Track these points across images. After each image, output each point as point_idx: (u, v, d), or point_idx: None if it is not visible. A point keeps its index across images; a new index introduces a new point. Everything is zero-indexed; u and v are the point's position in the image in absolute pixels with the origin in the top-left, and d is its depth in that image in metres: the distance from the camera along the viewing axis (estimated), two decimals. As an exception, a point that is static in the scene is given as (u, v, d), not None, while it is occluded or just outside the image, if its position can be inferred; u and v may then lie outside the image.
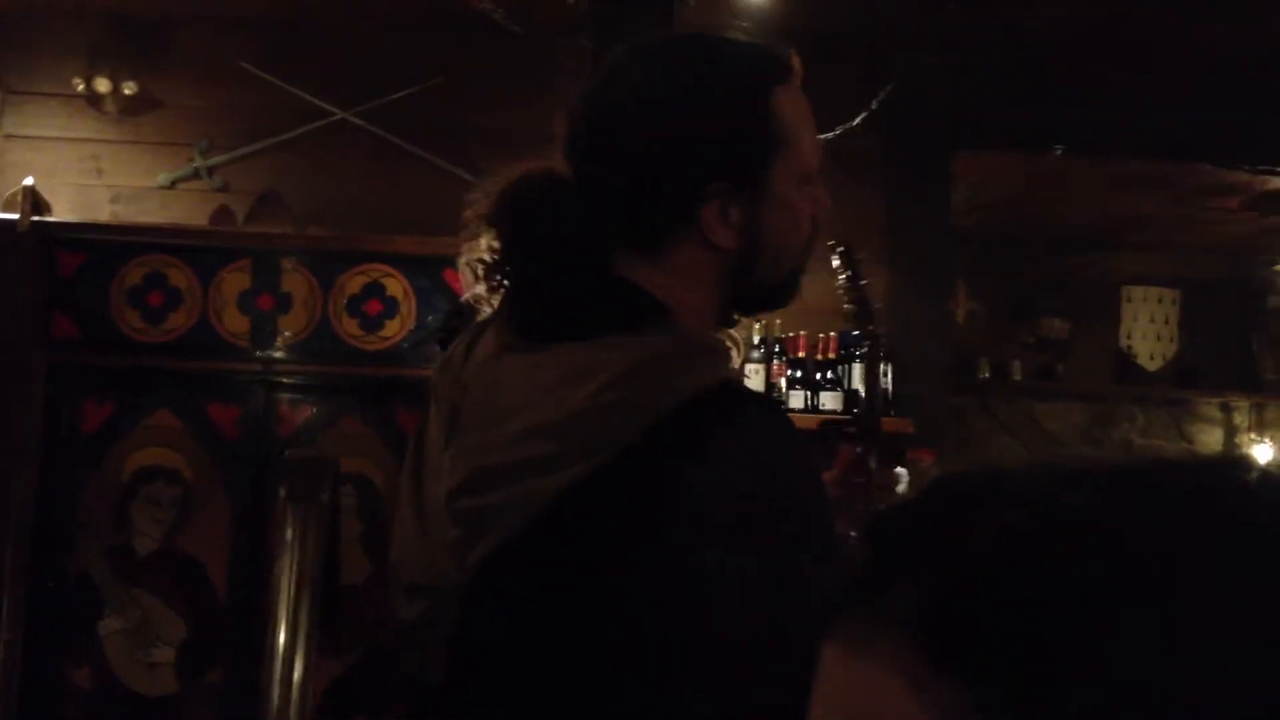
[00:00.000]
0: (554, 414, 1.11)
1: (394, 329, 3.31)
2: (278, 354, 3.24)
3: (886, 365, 4.01)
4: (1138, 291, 4.50)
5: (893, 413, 3.98)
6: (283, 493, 1.51)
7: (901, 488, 3.42)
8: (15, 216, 3.18)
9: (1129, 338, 4.51)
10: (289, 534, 1.48)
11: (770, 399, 1.20)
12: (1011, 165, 4.55)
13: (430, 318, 3.28)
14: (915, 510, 0.50)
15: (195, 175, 3.90)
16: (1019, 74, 4.16)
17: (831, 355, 4.03)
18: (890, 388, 4.00)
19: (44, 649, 2.96)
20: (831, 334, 4.05)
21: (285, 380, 3.25)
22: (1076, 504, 0.47)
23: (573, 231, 1.20)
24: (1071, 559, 0.45)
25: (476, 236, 1.26)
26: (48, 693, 2.95)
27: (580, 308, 1.19)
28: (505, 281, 1.23)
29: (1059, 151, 4.30)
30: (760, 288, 1.25)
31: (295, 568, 1.45)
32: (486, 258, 1.23)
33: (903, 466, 3.77)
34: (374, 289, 3.35)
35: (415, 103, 3.94)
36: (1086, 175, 4.49)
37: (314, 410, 3.20)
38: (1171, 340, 4.48)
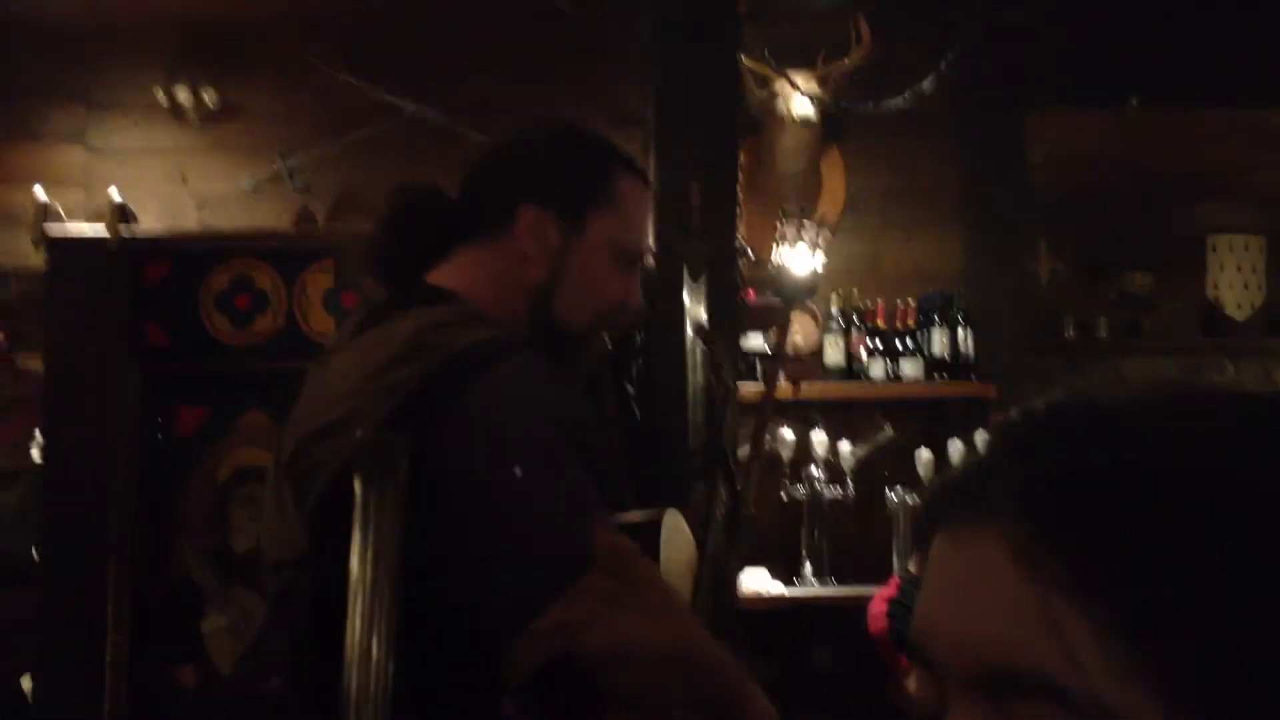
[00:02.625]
0: (353, 381, 1.29)
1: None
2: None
3: (967, 329, 3.97)
4: (1223, 240, 4.39)
5: (974, 376, 3.94)
6: (355, 476, 1.55)
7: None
8: (104, 232, 3.29)
9: (1215, 288, 4.40)
10: (361, 516, 1.53)
11: (530, 348, 1.31)
12: (1087, 119, 4.46)
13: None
14: (1026, 419, 0.53)
15: (277, 178, 4.00)
16: (1090, 27, 4.07)
17: (910, 323, 4.00)
18: (971, 352, 3.97)
19: (149, 648, 3.07)
20: (909, 301, 4.03)
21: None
22: (1187, 417, 0.50)
23: (420, 238, 1.43)
24: (1179, 458, 0.47)
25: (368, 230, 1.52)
26: (154, 691, 3.06)
27: (391, 301, 1.40)
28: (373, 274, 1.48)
29: (1135, 103, 4.21)
30: (557, 325, 1.42)
31: (371, 549, 1.49)
32: (367, 251, 1.48)
33: (987, 430, 3.75)
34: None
35: (488, 94, 3.99)
36: (1165, 126, 4.39)
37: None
38: (1259, 288, 4.36)
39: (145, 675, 3.03)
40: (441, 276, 1.40)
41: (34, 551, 3.10)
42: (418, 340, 1.28)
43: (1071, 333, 4.31)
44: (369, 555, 1.19)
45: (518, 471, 1.20)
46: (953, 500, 0.52)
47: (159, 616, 3.06)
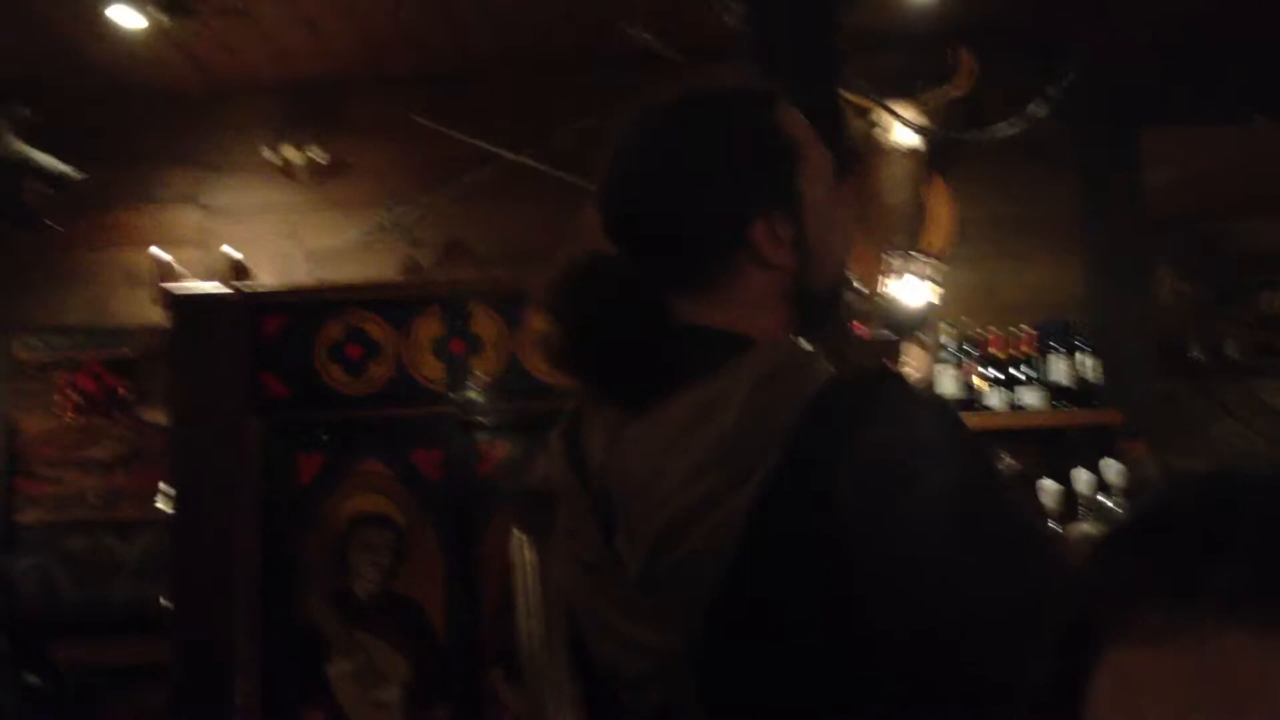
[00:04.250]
0: (704, 449, 1.12)
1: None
2: (473, 395, 3.33)
3: (1088, 356, 3.86)
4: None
5: (1096, 404, 3.82)
6: (516, 526, 1.50)
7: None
8: (220, 285, 3.36)
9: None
10: (526, 567, 1.47)
11: (895, 372, 1.20)
12: (1208, 138, 4.32)
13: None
14: (1194, 498, 0.47)
15: (383, 230, 4.06)
16: (1206, 42, 3.96)
17: (1028, 350, 3.89)
18: (1093, 378, 3.85)
19: (279, 694, 3.10)
20: (1025, 328, 3.93)
21: (482, 420, 3.33)
22: None
23: (628, 299, 1.24)
24: None
25: (541, 326, 1.29)
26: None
27: (667, 363, 1.22)
28: (578, 367, 1.27)
29: (1258, 120, 4.07)
30: (817, 296, 1.29)
31: (536, 602, 1.45)
32: (556, 345, 1.27)
33: (1113, 458, 3.62)
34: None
35: (582, 139, 4.01)
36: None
37: (512, 447, 3.27)
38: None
39: (274, 719, 3.06)
40: (695, 319, 1.24)
41: (162, 600, 3.14)
42: (764, 390, 1.13)
43: (1199, 355, 4.16)
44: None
45: (958, 509, 1.05)
46: (1144, 598, 0.45)
47: (286, 661, 3.09)
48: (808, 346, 1.23)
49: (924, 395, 1.18)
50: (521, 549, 1.47)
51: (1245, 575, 0.43)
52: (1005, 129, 3.87)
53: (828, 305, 1.33)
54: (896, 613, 1.03)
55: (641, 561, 1.16)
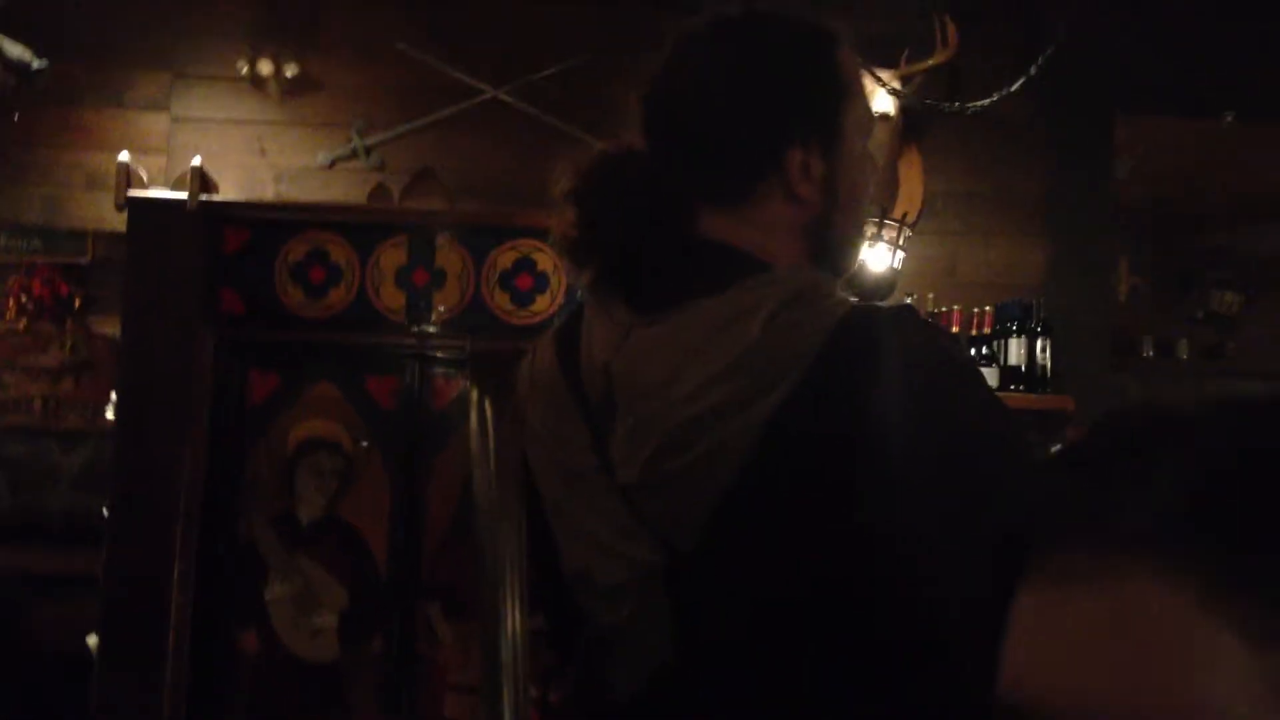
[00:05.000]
0: (725, 357, 1.12)
1: (544, 303, 3.34)
2: (432, 328, 3.31)
3: (1045, 340, 3.89)
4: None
5: (1050, 389, 3.86)
6: (472, 389, 1.46)
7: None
8: (184, 195, 3.30)
9: (1305, 311, 4.29)
10: (487, 430, 1.43)
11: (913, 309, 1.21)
12: (1179, 132, 4.36)
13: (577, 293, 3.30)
14: (1113, 434, 0.47)
15: (353, 154, 4.00)
16: (1186, 36, 3.97)
17: (987, 330, 3.92)
18: (1049, 363, 3.89)
19: (213, 614, 3.09)
20: (987, 308, 3.95)
21: (440, 354, 3.31)
22: None
23: (655, 200, 1.24)
24: None
25: (562, 214, 1.27)
26: (216, 656, 3.07)
27: (686, 272, 1.22)
28: (591, 258, 1.26)
29: (1230, 118, 4.10)
30: (835, 244, 1.29)
31: (494, 474, 1.41)
32: (572, 233, 1.26)
33: (1060, 444, 3.67)
34: (525, 264, 3.38)
35: (565, 78, 3.97)
36: (1259, 142, 4.28)
37: (467, 383, 3.26)
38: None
39: (208, 639, 3.05)
40: (716, 235, 1.24)
41: (104, 511, 3.11)
42: (794, 306, 1.13)
43: (1150, 352, 4.21)
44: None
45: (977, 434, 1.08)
46: (1060, 533, 0.44)
47: (223, 581, 3.08)
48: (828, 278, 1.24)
49: (941, 328, 1.21)
50: (482, 409, 1.45)
51: (1152, 516, 0.41)
52: (981, 105, 3.87)
53: (843, 256, 1.32)
54: (908, 526, 1.03)
55: (642, 464, 1.14)
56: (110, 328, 3.76)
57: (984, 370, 3.85)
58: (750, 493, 1.09)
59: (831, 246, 1.29)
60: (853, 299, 1.18)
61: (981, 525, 0.94)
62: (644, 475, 1.15)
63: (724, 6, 1.31)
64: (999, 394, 3.74)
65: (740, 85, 1.25)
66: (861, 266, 3.68)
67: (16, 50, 3.53)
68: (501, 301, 3.35)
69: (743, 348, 1.11)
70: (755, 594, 1.11)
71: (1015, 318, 3.90)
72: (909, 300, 3.87)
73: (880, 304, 1.22)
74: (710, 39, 1.29)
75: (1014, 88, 3.82)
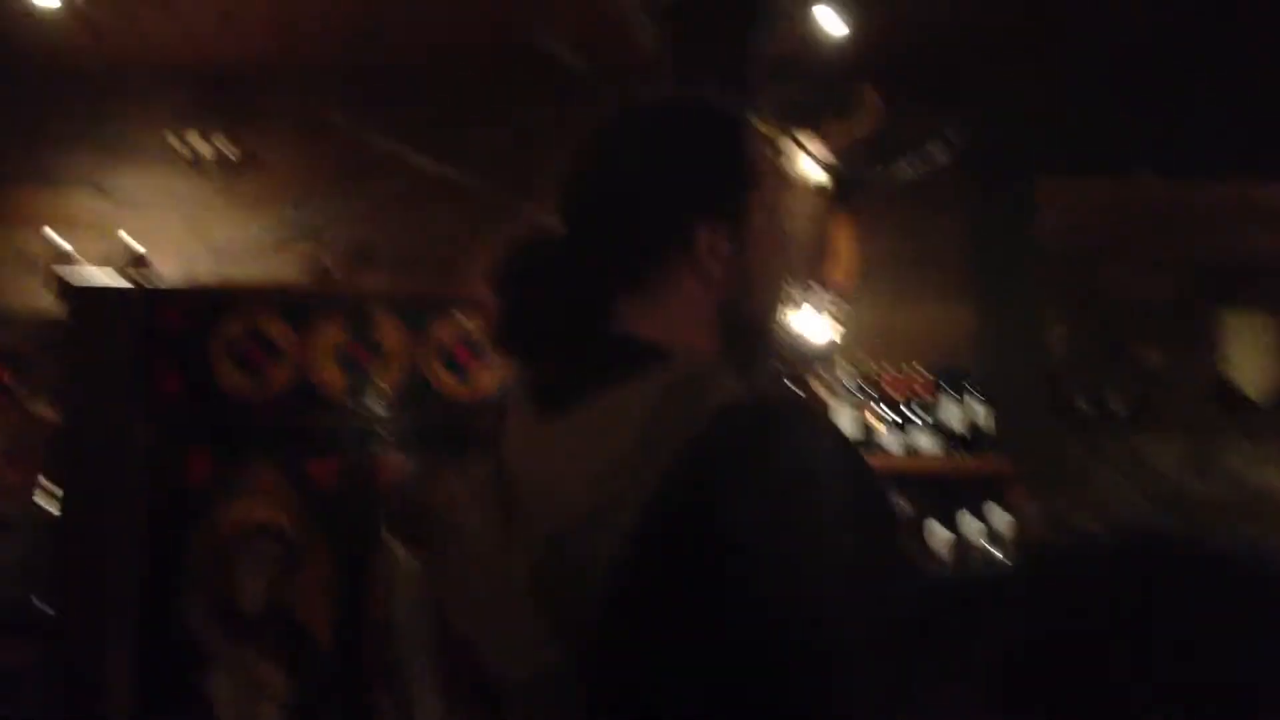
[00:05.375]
0: (605, 457, 1.12)
1: (486, 377, 3.34)
2: (374, 406, 3.28)
3: (982, 402, 3.95)
4: (1237, 317, 4.39)
5: (986, 450, 3.92)
6: (391, 538, 1.48)
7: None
8: (118, 278, 3.26)
9: (1229, 364, 4.40)
10: (399, 575, 1.46)
11: (804, 401, 1.23)
12: (1096, 189, 4.47)
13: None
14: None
15: (290, 230, 3.99)
16: (1102, 95, 4.09)
17: (922, 393, 3.98)
18: (985, 425, 3.94)
19: (153, 706, 3.01)
20: (920, 370, 4.01)
21: (381, 431, 3.29)
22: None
23: (569, 288, 1.27)
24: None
25: (489, 303, 1.31)
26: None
27: (588, 366, 1.23)
28: (513, 348, 1.31)
29: (1147, 174, 4.22)
30: (748, 324, 1.31)
31: (407, 609, 1.43)
32: (498, 323, 1.30)
33: (1001, 505, 3.72)
34: (464, 337, 3.38)
35: (495, 145, 3.99)
36: (1175, 199, 4.40)
37: (412, 462, 3.23)
38: (1276, 367, 4.36)
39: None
40: (624, 325, 1.26)
41: (35, 602, 3.04)
42: (662, 411, 1.13)
43: (1085, 406, 4.29)
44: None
45: (845, 547, 1.06)
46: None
47: (163, 673, 3.01)
48: (722, 365, 1.24)
49: (825, 424, 1.20)
50: (394, 555, 1.45)
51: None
52: (906, 170, 3.96)
53: (755, 339, 1.34)
54: (770, 631, 1.04)
55: (531, 568, 1.15)
56: (45, 410, 3.70)
57: (920, 434, 3.90)
58: (622, 604, 1.08)
59: (744, 326, 1.31)
60: (740, 390, 1.16)
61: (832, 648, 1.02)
62: (535, 578, 1.15)
63: (640, 93, 1.37)
64: (942, 456, 3.80)
65: (647, 168, 1.29)
66: (798, 337, 3.73)
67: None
68: (444, 376, 3.33)
69: (618, 448, 1.12)
70: (638, 703, 1.10)
71: (949, 380, 3.97)
72: (836, 374, 3.92)
73: (770, 393, 1.19)
74: (622, 125, 1.34)
75: (934, 154, 3.91)
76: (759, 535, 1.04)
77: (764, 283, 1.31)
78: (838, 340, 3.81)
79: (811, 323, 3.88)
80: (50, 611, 2.94)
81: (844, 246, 4.19)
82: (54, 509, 3.06)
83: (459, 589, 1.29)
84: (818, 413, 1.26)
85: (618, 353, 1.24)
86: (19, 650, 3.15)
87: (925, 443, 3.92)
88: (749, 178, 1.30)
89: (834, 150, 4.05)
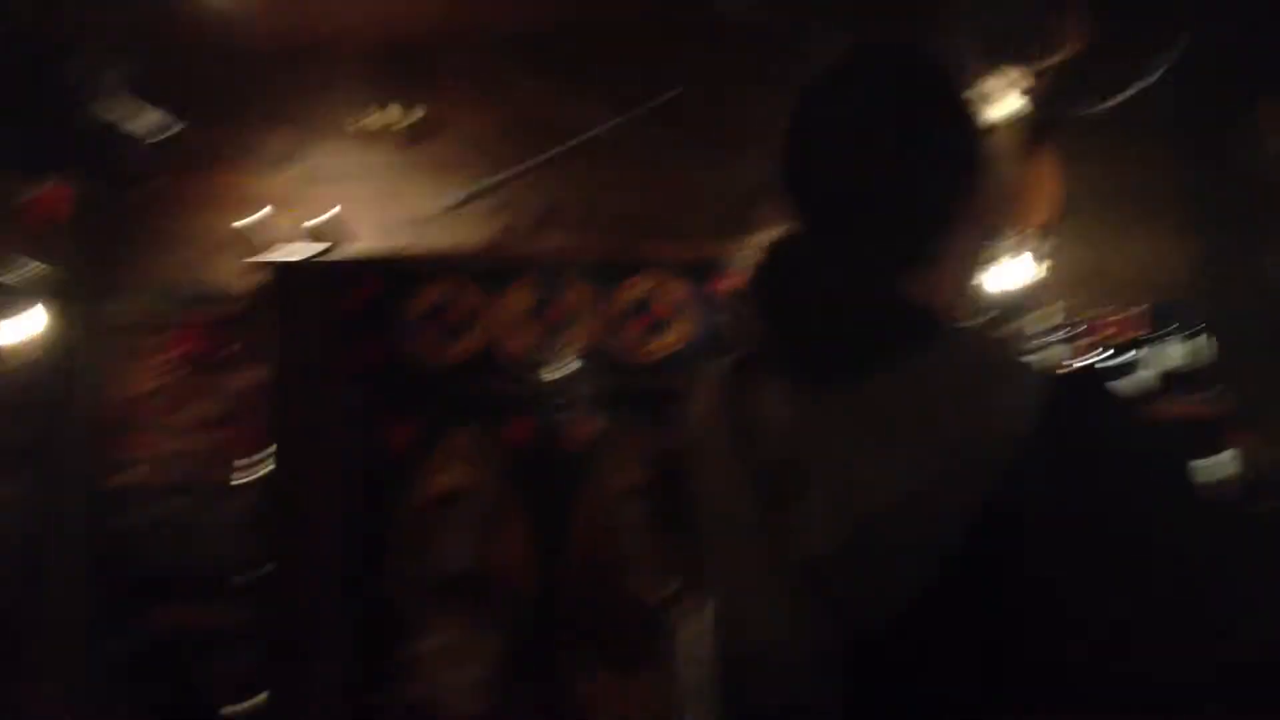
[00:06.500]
0: (926, 437, 1.09)
1: (672, 338, 3.30)
2: (562, 368, 3.29)
3: (1205, 340, 3.71)
4: None
5: (1208, 390, 3.68)
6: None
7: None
8: (320, 247, 3.36)
9: None
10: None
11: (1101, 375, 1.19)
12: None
13: (704, 324, 3.26)
14: None
15: (478, 195, 4.03)
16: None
17: (1138, 333, 3.76)
18: (1207, 363, 3.70)
19: (361, 672, 3.10)
20: (1133, 309, 3.78)
21: (571, 394, 3.29)
22: None
23: (846, 270, 1.20)
24: None
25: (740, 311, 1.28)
26: (366, 716, 3.08)
27: (874, 339, 1.17)
28: (771, 317, 1.24)
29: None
30: (971, 276, 1.28)
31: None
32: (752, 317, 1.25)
33: (1226, 448, 3.48)
34: (651, 297, 3.35)
35: (679, 108, 3.92)
36: None
37: (601, 423, 3.23)
38: None
39: (357, 700, 3.07)
40: (911, 295, 1.21)
41: (247, 567, 3.16)
42: (969, 392, 1.10)
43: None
44: None
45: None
46: None
47: (370, 637, 3.09)
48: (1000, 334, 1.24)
49: (1126, 396, 1.19)
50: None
51: None
52: (1118, 98, 3.71)
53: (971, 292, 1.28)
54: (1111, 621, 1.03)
55: (837, 542, 1.11)
56: (252, 382, 3.84)
57: (1140, 374, 3.69)
58: (954, 581, 1.06)
59: (970, 278, 1.26)
60: (1039, 364, 1.14)
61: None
62: (838, 553, 1.11)
63: (842, 51, 1.26)
64: (1163, 403, 3.59)
65: (914, 142, 1.20)
66: (1006, 278, 3.56)
67: (154, 120, 3.64)
68: (630, 338, 3.32)
69: (942, 427, 1.09)
70: (945, 684, 1.07)
71: (1168, 317, 3.74)
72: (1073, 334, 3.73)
73: (1070, 371, 1.17)
74: (864, 92, 1.23)
75: (1146, 78, 3.65)
76: (1107, 516, 1.03)
77: (991, 233, 1.26)
78: (1041, 281, 3.62)
79: (1014, 267, 3.70)
80: (259, 576, 3.05)
81: (1046, 183, 3.97)
82: (263, 476, 3.18)
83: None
84: (1104, 380, 1.22)
85: (904, 325, 1.17)
86: (228, 613, 3.29)
87: (1144, 386, 3.70)
88: (982, 130, 1.24)
89: (1037, 80, 3.84)
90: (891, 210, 1.20)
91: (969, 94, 1.24)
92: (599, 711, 2.99)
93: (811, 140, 1.24)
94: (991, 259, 1.33)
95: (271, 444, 3.17)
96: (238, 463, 3.65)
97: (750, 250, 1.26)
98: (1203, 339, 3.70)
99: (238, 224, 3.93)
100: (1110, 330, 3.76)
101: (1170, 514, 1.05)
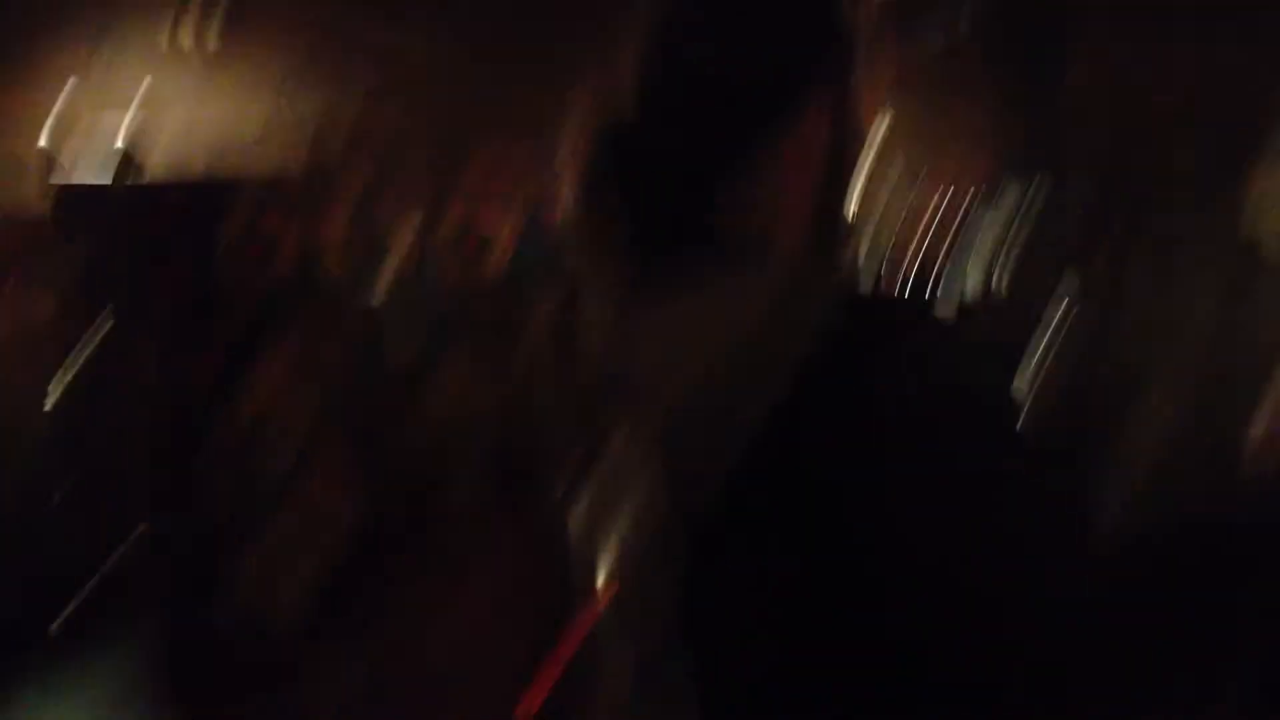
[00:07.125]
0: (732, 342, 1.10)
1: (495, 257, 3.30)
2: (379, 291, 3.26)
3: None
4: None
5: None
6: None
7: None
8: (111, 180, 3.22)
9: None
10: None
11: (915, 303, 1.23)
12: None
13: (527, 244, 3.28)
14: None
15: (284, 120, 3.91)
16: None
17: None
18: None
19: (179, 591, 3.04)
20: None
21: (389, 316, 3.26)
22: None
23: (666, 183, 1.15)
24: None
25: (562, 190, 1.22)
26: (185, 635, 3.02)
27: (689, 261, 1.14)
28: (595, 230, 1.20)
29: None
30: (835, 210, 1.23)
31: None
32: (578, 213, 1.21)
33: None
34: (473, 216, 3.34)
35: (487, 32, 3.88)
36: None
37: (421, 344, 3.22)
38: None
39: (175, 615, 3.02)
40: (726, 215, 1.16)
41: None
42: (785, 295, 1.11)
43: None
44: None
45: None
46: None
47: (188, 558, 3.04)
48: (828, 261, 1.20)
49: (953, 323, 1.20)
50: None
51: None
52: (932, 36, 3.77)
53: (839, 224, 1.23)
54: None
55: (647, 437, 1.14)
56: (39, 311, 3.65)
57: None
58: (758, 476, 1.07)
59: (833, 210, 1.21)
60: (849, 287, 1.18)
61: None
62: (651, 444, 1.14)
63: None
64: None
65: (747, 41, 1.15)
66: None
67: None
68: (449, 263, 3.30)
69: (745, 332, 1.10)
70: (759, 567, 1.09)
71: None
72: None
73: (876, 295, 1.27)
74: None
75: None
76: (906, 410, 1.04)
77: (853, 161, 1.21)
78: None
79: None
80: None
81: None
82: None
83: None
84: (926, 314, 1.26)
85: (721, 246, 1.14)
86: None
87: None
88: (851, 44, 1.18)
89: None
90: (713, 119, 1.14)
91: (838, 13, 1.18)
92: (425, 625, 3.00)
93: (648, 37, 1.18)
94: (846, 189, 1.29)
95: (72, 368, 3.06)
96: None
97: (573, 153, 1.19)
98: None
99: (22, 147, 3.72)
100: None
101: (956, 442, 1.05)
